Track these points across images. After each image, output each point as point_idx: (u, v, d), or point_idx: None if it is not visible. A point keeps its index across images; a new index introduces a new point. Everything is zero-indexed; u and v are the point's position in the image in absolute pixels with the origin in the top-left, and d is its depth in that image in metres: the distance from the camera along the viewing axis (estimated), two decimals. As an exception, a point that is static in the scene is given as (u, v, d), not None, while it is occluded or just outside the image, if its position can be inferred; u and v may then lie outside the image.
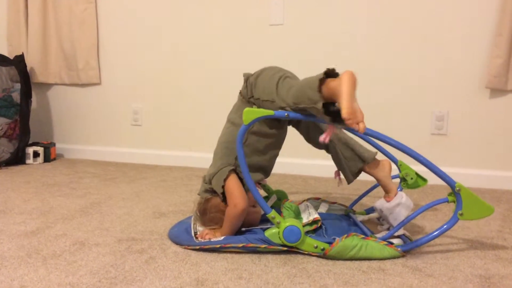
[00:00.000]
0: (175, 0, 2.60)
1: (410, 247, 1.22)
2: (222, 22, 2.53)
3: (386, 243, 1.20)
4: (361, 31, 2.30)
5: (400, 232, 1.27)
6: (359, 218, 1.48)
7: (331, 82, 1.06)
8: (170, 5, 2.62)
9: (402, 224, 1.23)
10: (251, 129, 1.28)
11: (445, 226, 1.20)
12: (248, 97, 1.32)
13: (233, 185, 1.27)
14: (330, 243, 1.19)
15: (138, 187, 2.06)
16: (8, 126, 2.59)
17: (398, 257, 1.19)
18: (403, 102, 2.27)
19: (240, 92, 1.37)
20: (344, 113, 1.02)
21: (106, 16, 2.78)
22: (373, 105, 2.28)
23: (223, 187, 1.27)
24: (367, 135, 1.15)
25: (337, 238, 1.20)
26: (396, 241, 1.24)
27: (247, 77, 1.34)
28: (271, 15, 2.43)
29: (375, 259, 1.18)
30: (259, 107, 1.25)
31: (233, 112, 1.40)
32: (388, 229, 1.37)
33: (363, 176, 2.27)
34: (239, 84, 2.49)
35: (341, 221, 1.44)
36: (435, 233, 1.21)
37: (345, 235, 1.19)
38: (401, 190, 1.51)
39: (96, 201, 1.76)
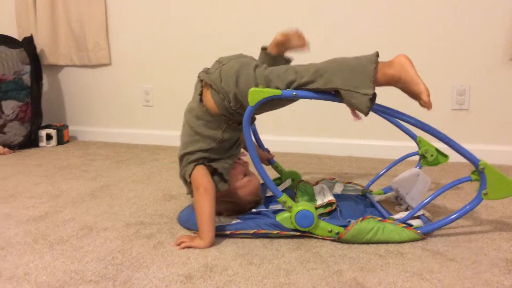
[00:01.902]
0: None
1: (430, 229, 1.16)
2: (234, 4, 2.44)
3: (404, 225, 1.14)
4: (379, 1, 2.19)
5: (420, 212, 1.21)
6: (376, 198, 1.42)
7: (389, 69, 1.03)
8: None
9: (422, 205, 1.17)
10: (220, 139, 1.20)
11: (468, 207, 1.13)
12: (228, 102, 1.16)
13: (198, 174, 1.18)
14: (345, 226, 1.13)
15: (149, 169, 2.03)
16: (20, 109, 2.57)
17: (417, 240, 1.13)
18: (422, 75, 2.17)
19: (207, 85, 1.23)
20: (426, 97, 1.02)
21: (114, -6, 2.71)
22: (391, 80, 2.19)
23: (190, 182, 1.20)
24: (385, 113, 1.08)
25: (352, 221, 1.14)
26: (415, 222, 1.18)
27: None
28: (283, -12, 2.34)
29: (393, 242, 1.12)
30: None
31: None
32: (406, 209, 1.31)
33: (380, 153, 2.21)
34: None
35: (357, 202, 1.38)
36: (457, 214, 1.14)
37: (361, 218, 1.13)
38: (420, 167, 1.44)
39: (106, 184, 1.74)
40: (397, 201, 1.40)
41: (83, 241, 1.15)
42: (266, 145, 1.58)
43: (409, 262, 1.01)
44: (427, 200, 1.17)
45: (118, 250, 1.09)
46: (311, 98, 1.08)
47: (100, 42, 2.74)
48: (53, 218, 1.34)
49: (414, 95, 1.04)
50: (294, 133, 2.42)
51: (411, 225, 1.15)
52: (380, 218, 1.15)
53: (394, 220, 1.16)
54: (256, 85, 1.09)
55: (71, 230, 1.23)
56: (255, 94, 1.07)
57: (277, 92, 1.06)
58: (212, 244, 1.11)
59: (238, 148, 1.29)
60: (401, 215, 1.21)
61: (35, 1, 2.82)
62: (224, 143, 1.22)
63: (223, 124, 1.20)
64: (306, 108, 2.36)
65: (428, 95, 1.02)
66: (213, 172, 1.21)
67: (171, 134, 2.68)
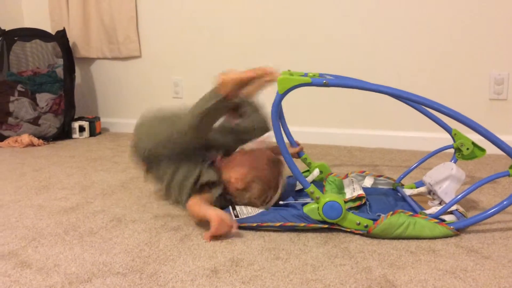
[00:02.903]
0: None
1: (464, 225, 1.11)
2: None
3: (437, 220, 1.10)
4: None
5: (453, 207, 1.16)
6: (408, 192, 1.37)
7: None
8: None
9: (456, 199, 1.12)
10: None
11: (505, 202, 1.08)
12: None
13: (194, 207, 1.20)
14: (374, 220, 1.10)
15: (178, 160, 2.04)
16: (53, 102, 2.63)
17: (450, 236, 1.09)
18: (457, 63, 2.09)
19: None
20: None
21: (143, -14, 2.73)
22: (423, 68, 2.12)
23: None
24: (418, 103, 1.04)
25: (382, 215, 1.11)
26: (448, 218, 1.13)
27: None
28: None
29: (424, 238, 1.08)
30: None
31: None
32: (439, 204, 1.26)
33: (412, 145, 2.15)
34: (280, 54, 2.40)
35: (387, 196, 1.34)
36: (493, 210, 1.09)
37: (391, 212, 1.10)
38: (455, 161, 1.39)
39: (135, 176, 1.75)
40: (430, 196, 1.35)
41: (112, 233, 1.17)
42: (294, 137, 1.56)
43: (441, 260, 0.97)
44: (461, 195, 1.12)
45: (145, 242, 1.10)
46: (341, 86, 1.05)
47: (130, 35, 2.77)
48: (83, 209, 1.36)
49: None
50: (323, 124, 2.38)
51: (444, 221, 1.11)
52: (411, 213, 1.12)
53: (426, 215, 1.12)
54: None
55: (100, 222, 1.25)
56: (285, 82, 1.04)
57: (307, 80, 1.03)
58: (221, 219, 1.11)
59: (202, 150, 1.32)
60: (434, 210, 1.17)
61: (67, -5, 2.87)
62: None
63: None
64: (335, 98, 2.32)
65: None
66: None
67: (200, 126, 2.69)
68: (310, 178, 1.48)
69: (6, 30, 2.65)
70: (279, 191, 1.26)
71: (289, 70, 1.45)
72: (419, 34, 2.13)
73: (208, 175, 1.25)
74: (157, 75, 2.80)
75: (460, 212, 1.16)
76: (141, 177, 1.72)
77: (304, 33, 2.35)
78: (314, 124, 2.38)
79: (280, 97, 1.06)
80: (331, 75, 1.32)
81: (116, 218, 1.28)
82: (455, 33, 2.06)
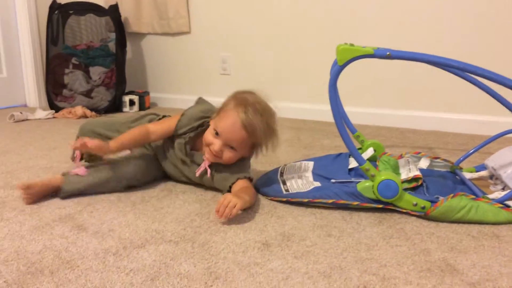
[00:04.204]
0: None
1: (531, 212, 1.04)
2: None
3: (501, 205, 1.04)
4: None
5: (519, 193, 1.09)
6: (467, 176, 1.30)
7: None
8: None
9: (523, 185, 1.05)
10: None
11: None
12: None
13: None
14: (432, 202, 1.05)
15: (226, 136, 2.03)
16: (105, 75, 2.68)
17: (516, 222, 1.02)
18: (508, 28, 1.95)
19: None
20: None
21: (194, -39, 2.71)
22: (466, 35, 2.00)
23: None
24: (489, 79, 0.97)
25: (441, 198, 1.05)
26: (513, 203, 1.06)
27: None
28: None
29: (487, 223, 1.02)
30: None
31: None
32: (503, 189, 1.19)
33: (469, 129, 2.04)
34: (329, 34, 2.33)
35: (445, 178, 1.28)
36: None
37: (452, 195, 1.04)
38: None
39: (184, 149, 1.76)
40: (492, 180, 1.28)
41: (163, 202, 1.18)
42: (346, 115, 1.51)
43: (506, 246, 0.92)
44: (529, 179, 1.05)
45: (196, 213, 1.10)
46: (406, 59, 0.99)
47: (180, 10, 2.77)
48: (135, 179, 1.38)
49: None
50: (373, 104, 2.31)
51: (509, 206, 1.04)
52: (473, 197, 1.06)
53: (490, 199, 1.06)
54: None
55: (151, 191, 1.26)
56: (345, 53, 0.99)
57: (369, 51, 0.98)
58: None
59: None
60: (497, 195, 1.10)
61: (120, -30, 2.90)
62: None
63: None
64: (387, 78, 2.24)
65: None
66: None
67: (247, 103, 2.68)
68: (363, 157, 1.43)
69: (62, 3, 2.72)
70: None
71: (345, 43, 1.40)
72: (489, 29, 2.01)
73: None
74: (206, 51, 2.80)
75: (526, 198, 1.09)
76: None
77: (350, 8, 2.26)
78: (364, 104, 2.31)
79: (339, 69, 1.01)
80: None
81: (166, 188, 1.29)
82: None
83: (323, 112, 2.33)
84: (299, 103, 2.51)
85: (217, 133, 1.17)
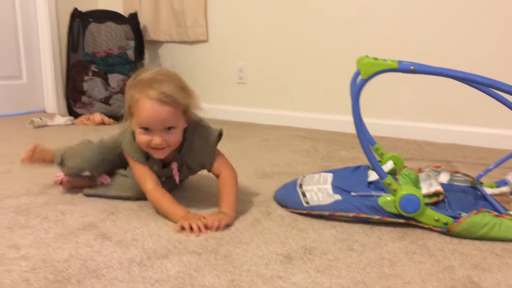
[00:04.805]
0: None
1: (555, 230, 1.03)
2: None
3: (525, 223, 1.03)
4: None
5: (543, 211, 1.08)
6: (489, 191, 1.29)
7: None
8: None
9: (547, 202, 1.04)
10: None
11: None
12: None
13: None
14: (454, 217, 1.05)
15: (241, 146, 2.05)
16: (124, 83, 2.71)
17: (540, 240, 1.01)
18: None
19: None
20: None
21: (213, -29, 2.74)
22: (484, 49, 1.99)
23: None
24: (504, 91, 0.96)
25: (464, 214, 1.05)
26: (537, 221, 1.05)
27: None
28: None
29: (511, 240, 1.01)
30: None
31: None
32: (525, 206, 1.18)
33: (488, 142, 2.03)
34: (346, 44, 2.34)
35: (466, 194, 1.27)
36: None
37: (475, 211, 1.04)
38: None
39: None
40: (514, 197, 1.27)
41: (183, 212, 1.19)
42: (366, 127, 1.51)
43: (531, 265, 0.91)
44: (554, 197, 1.04)
45: (217, 223, 1.11)
46: (430, 74, 0.99)
47: (198, 19, 2.80)
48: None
49: None
50: (390, 116, 2.30)
51: (533, 224, 1.03)
52: (496, 213, 1.05)
53: (513, 216, 1.05)
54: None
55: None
56: (369, 67, 0.99)
57: (393, 65, 0.98)
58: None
59: None
60: (520, 211, 1.09)
61: (140, -21, 2.94)
62: None
63: None
64: (404, 89, 2.23)
65: None
66: None
67: (262, 112, 2.69)
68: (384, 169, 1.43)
69: (83, 12, 2.76)
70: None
71: (366, 56, 1.41)
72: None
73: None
74: (223, 60, 2.82)
75: (550, 216, 1.08)
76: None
77: (367, 19, 2.27)
78: (381, 115, 2.31)
79: (363, 82, 1.01)
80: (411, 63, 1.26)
81: (185, 197, 1.30)
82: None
83: (340, 122, 2.33)
84: (315, 113, 2.51)
85: (146, 129, 1.10)
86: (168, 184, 1.24)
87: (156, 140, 1.09)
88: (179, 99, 1.09)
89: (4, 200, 1.26)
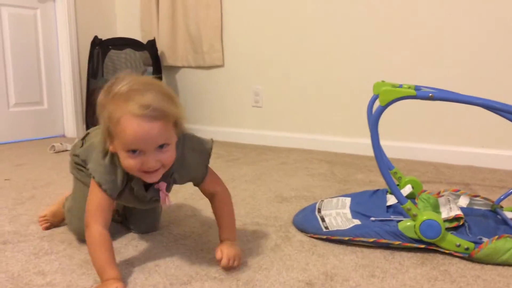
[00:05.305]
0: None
1: None
2: (346, 7, 2.39)
3: (548, 249, 1.02)
4: None
5: None
6: (509, 215, 1.28)
7: None
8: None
9: None
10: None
11: None
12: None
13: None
14: (476, 243, 1.04)
15: (259, 169, 2.06)
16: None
17: None
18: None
19: None
20: None
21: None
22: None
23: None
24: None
25: (485, 239, 1.04)
26: (560, 246, 1.04)
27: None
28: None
29: (534, 267, 1.00)
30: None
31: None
32: (548, 231, 1.16)
33: (508, 165, 2.01)
34: (360, 64, 2.36)
35: (486, 218, 1.26)
36: None
37: (496, 236, 1.03)
38: None
39: (220, 182, 1.79)
40: (535, 220, 1.26)
41: (204, 237, 1.20)
42: (383, 151, 1.52)
43: (556, 292, 0.90)
44: None
45: (237, 249, 1.12)
46: (449, 100, 1.00)
47: (214, 44, 2.86)
48: (175, 213, 1.41)
49: None
50: (407, 138, 2.30)
51: (556, 249, 1.02)
52: (519, 239, 1.04)
53: (536, 242, 1.04)
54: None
55: (192, 226, 1.29)
56: (388, 94, 1.01)
57: (411, 92, 1.00)
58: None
59: None
60: (543, 236, 1.08)
61: (158, 8, 3.02)
62: None
63: None
64: (420, 112, 2.23)
65: None
66: None
67: (278, 135, 2.71)
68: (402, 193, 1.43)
69: (103, 39, 2.84)
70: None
71: (383, 81, 1.43)
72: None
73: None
74: (238, 84, 2.86)
75: None
76: (226, 184, 1.76)
77: (384, 43, 2.29)
78: (397, 138, 2.31)
79: (382, 109, 1.03)
80: (427, 87, 1.28)
81: (207, 223, 1.32)
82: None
83: (356, 144, 2.34)
84: (331, 136, 2.52)
85: (133, 151, 0.89)
86: (148, 204, 1.09)
87: (149, 162, 0.90)
88: (168, 110, 0.89)
89: (29, 226, 1.29)
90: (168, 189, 1.03)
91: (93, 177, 0.97)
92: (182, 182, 1.06)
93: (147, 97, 0.87)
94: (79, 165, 1.09)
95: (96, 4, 3.17)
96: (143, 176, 0.93)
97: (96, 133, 1.03)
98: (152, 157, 0.90)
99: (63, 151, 2.48)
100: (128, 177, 0.99)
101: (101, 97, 0.91)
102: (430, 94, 0.99)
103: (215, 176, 1.10)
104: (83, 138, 1.12)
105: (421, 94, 0.99)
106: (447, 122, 2.19)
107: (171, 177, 1.02)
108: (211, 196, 1.10)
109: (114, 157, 0.96)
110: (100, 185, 0.96)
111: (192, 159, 1.03)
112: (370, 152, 1.11)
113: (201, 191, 1.10)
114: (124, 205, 1.22)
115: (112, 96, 0.88)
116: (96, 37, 2.82)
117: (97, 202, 0.97)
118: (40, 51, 2.93)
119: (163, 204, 1.02)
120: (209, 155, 1.07)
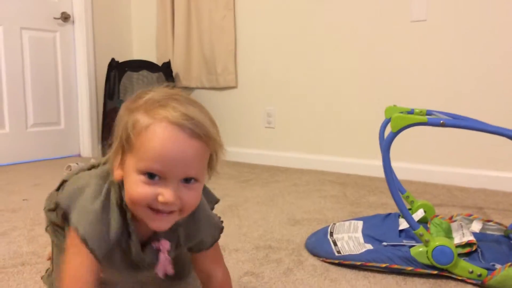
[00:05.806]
0: (308, 8, 2.58)
1: None
2: (358, 22, 2.43)
3: (562, 276, 1.01)
4: (521, 22, 2.01)
5: None
6: (523, 241, 1.28)
7: None
8: (302, 13, 2.60)
9: None
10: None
11: None
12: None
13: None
14: (488, 269, 1.04)
15: (271, 190, 2.08)
16: (156, 128, 2.82)
17: None
18: None
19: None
20: None
21: (243, 23, 2.87)
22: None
23: None
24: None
25: (498, 265, 1.04)
26: None
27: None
28: (412, 11, 2.26)
29: (548, 295, 1.00)
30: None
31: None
32: (562, 258, 1.16)
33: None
34: (372, 87, 2.39)
35: (500, 244, 1.26)
36: None
37: (510, 263, 1.03)
38: None
39: (233, 204, 1.82)
40: (549, 246, 1.25)
41: None
42: (395, 175, 1.53)
43: None
44: None
45: (250, 273, 1.13)
46: (460, 127, 1.02)
47: (228, 66, 2.91)
48: None
49: None
50: (419, 160, 2.30)
51: None
52: (532, 266, 1.04)
53: (550, 269, 1.04)
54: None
55: (205, 248, 1.31)
56: (400, 120, 1.03)
57: (423, 119, 1.02)
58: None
59: None
60: (557, 263, 1.08)
61: (174, 31, 3.10)
62: None
63: None
64: (432, 134, 2.24)
65: None
66: None
67: (291, 156, 2.73)
68: (414, 218, 1.44)
69: (119, 61, 2.92)
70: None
71: (394, 105, 1.45)
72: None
73: None
74: (251, 105, 2.90)
75: None
76: (239, 206, 1.78)
77: (395, 66, 2.32)
78: (410, 159, 2.31)
79: (393, 135, 1.05)
80: (438, 112, 1.30)
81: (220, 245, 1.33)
82: None
83: (367, 166, 2.35)
84: (342, 157, 2.54)
85: (151, 175, 0.65)
86: (139, 275, 0.80)
87: (167, 194, 0.65)
88: (212, 133, 0.68)
89: (46, 247, 1.31)
90: (171, 252, 0.77)
91: (76, 231, 0.68)
92: (186, 243, 0.80)
93: (190, 109, 0.67)
94: (56, 225, 0.81)
95: (113, 27, 3.26)
96: (150, 216, 0.67)
97: (78, 178, 0.77)
98: (173, 189, 0.65)
99: (79, 170, 2.52)
100: (124, 225, 0.71)
101: (126, 104, 0.72)
102: (442, 122, 1.01)
103: (220, 253, 0.88)
104: (59, 188, 0.82)
105: (432, 121, 1.01)
106: (460, 144, 2.19)
107: (177, 235, 0.77)
108: (206, 278, 0.85)
109: (110, 195, 0.71)
110: (85, 242, 0.67)
111: (203, 216, 0.81)
112: (381, 173, 1.12)
113: (197, 265, 0.86)
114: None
115: (145, 102, 0.68)
116: (113, 59, 2.89)
117: (77, 269, 0.68)
118: (58, 73, 3.01)
119: (160, 273, 0.75)
120: (221, 230, 0.86)
